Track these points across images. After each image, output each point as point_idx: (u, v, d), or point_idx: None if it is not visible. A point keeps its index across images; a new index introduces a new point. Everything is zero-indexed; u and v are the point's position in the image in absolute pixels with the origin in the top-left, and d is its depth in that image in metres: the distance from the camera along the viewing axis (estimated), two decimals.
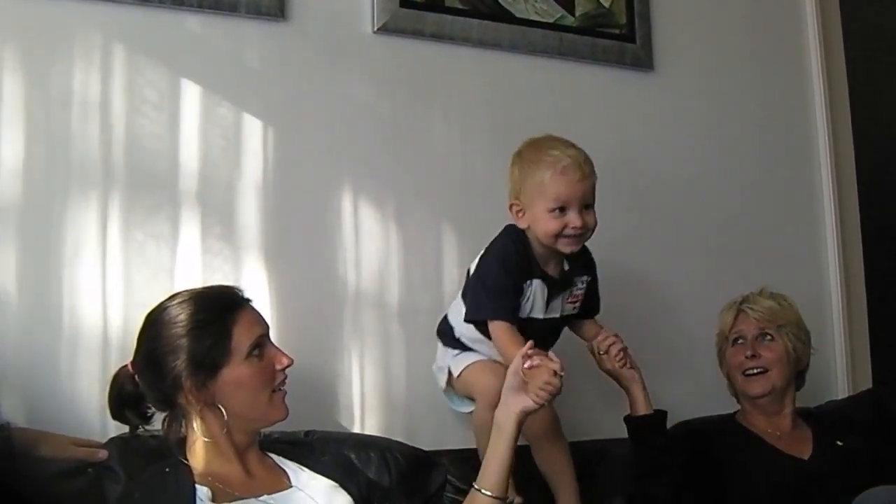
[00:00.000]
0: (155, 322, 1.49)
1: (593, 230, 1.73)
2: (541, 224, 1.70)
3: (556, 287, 1.78)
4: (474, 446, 1.82)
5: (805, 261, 2.64)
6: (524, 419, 1.53)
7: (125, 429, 1.58)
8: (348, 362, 2.04)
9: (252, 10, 2.02)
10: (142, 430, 1.56)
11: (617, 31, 2.43)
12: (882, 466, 1.92)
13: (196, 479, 1.42)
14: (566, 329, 1.88)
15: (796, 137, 2.69)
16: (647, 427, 1.80)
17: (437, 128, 2.21)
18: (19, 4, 1.85)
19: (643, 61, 2.46)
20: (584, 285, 1.84)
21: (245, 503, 1.43)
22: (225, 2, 1.99)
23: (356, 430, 2.02)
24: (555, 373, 1.50)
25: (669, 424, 1.88)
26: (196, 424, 1.47)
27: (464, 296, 1.82)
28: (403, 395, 2.07)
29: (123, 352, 1.69)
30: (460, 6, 2.23)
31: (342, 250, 2.07)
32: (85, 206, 1.85)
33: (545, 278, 1.75)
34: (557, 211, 1.69)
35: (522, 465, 1.59)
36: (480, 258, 1.79)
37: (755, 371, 2.00)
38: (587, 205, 1.71)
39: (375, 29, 2.15)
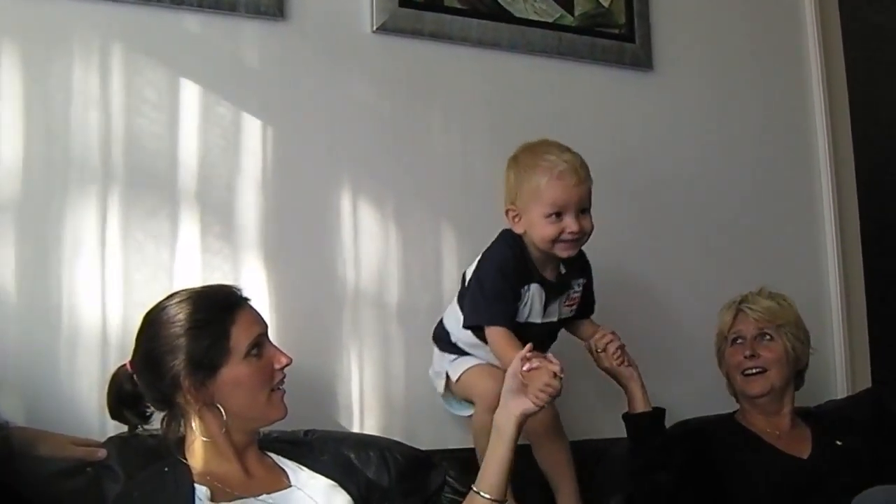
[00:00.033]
0: (153, 322, 1.49)
1: (590, 234, 1.73)
2: (537, 229, 1.70)
3: (553, 291, 1.77)
4: (473, 446, 1.82)
5: (804, 261, 2.64)
6: (524, 421, 1.53)
7: (124, 428, 1.58)
8: (347, 362, 2.04)
9: (251, 10, 2.01)
10: (141, 429, 1.56)
11: (616, 31, 2.42)
12: (881, 466, 1.92)
13: (195, 478, 1.42)
14: (563, 330, 1.88)
15: (796, 137, 2.69)
16: (645, 424, 1.80)
17: (437, 127, 2.21)
18: (19, 4, 1.85)
19: (642, 61, 2.46)
20: (581, 288, 1.84)
21: (244, 502, 1.43)
22: (224, 1, 1.99)
23: (355, 429, 2.02)
24: (555, 374, 1.49)
25: (669, 424, 1.89)
26: (195, 424, 1.47)
27: (460, 301, 1.81)
28: (403, 394, 2.07)
29: (122, 351, 1.69)
30: (459, 6, 2.23)
31: (341, 250, 2.07)
32: (84, 206, 1.85)
33: (543, 283, 1.75)
34: (554, 216, 1.68)
35: (520, 469, 1.58)
36: (477, 263, 1.78)
37: (754, 371, 2.00)
38: (583, 209, 1.70)
39: (374, 28, 2.15)
